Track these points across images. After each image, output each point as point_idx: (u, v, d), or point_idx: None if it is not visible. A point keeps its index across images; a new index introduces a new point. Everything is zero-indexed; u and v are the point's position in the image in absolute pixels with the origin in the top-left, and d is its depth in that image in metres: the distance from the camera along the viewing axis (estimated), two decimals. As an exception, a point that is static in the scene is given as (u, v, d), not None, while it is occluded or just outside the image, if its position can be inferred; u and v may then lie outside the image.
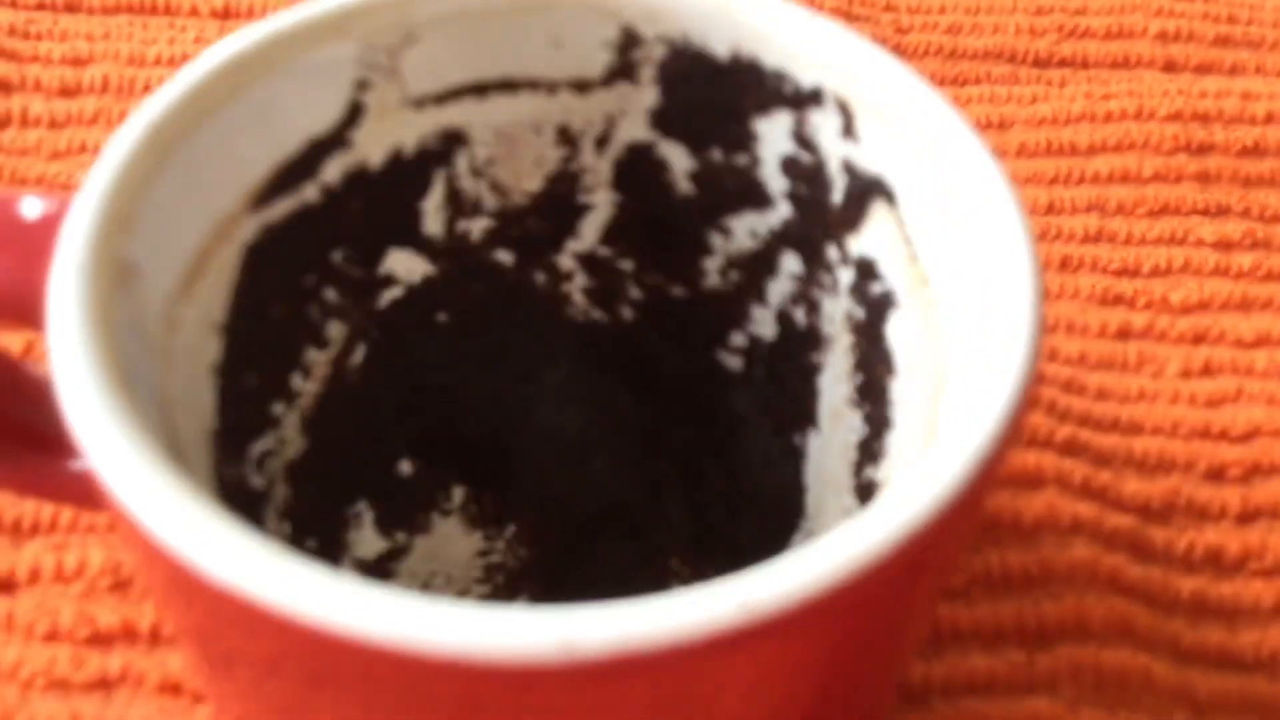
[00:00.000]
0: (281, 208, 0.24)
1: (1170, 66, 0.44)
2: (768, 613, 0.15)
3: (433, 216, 0.27)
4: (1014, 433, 0.18)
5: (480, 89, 0.25)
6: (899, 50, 0.43)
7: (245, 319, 0.24)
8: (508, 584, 0.29)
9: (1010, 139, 0.41)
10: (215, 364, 0.23)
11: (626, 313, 0.29)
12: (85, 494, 0.20)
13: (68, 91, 0.39)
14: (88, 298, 0.19)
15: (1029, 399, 0.19)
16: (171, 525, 0.16)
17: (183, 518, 0.16)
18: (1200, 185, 0.40)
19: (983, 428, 0.17)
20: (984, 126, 0.41)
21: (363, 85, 0.24)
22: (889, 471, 0.24)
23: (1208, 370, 0.35)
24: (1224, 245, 0.38)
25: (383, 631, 0.15)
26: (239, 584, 0.16)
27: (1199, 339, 0.36)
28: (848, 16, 0.44)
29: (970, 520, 0.19)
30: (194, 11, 0.42)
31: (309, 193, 0.24)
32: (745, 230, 0.26)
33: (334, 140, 0.24)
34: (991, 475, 0.18)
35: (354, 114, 0.24)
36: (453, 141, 0.26)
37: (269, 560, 0.16)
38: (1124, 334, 0.36)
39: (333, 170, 0.24)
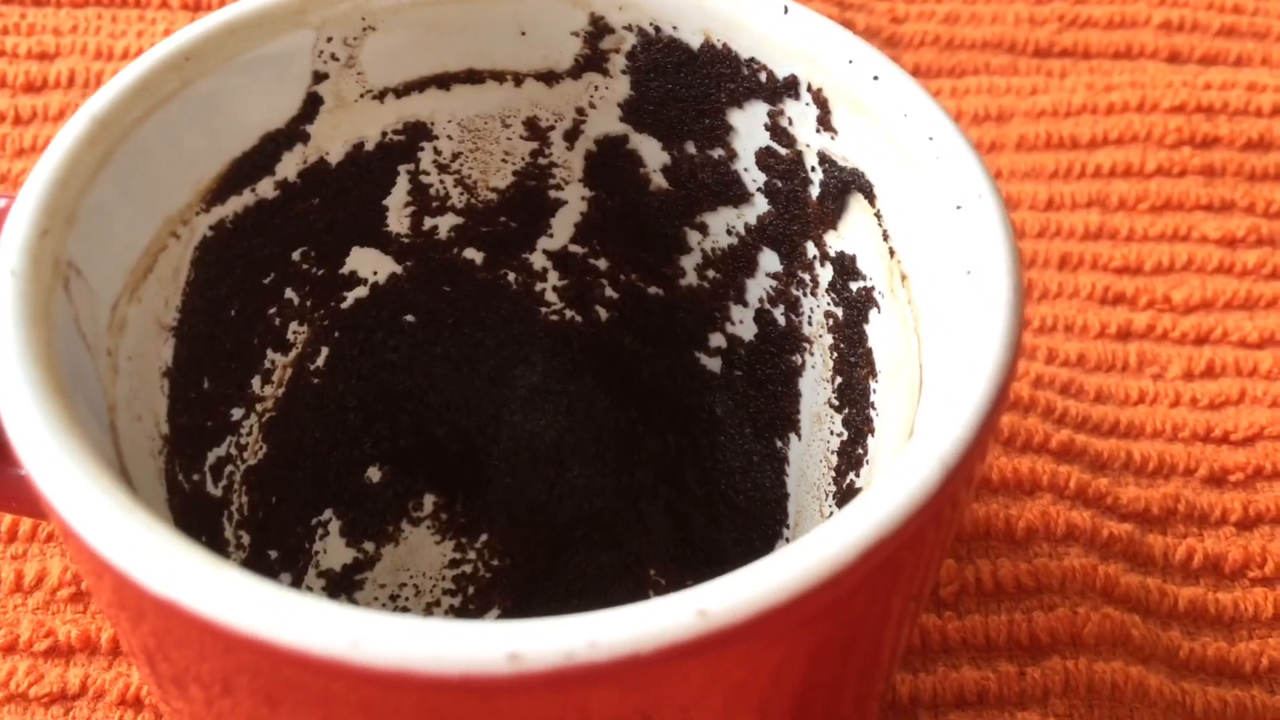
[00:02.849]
0: (236, 204, 0.23)
1: (1174, 57, 0.43)
2: (727, 621, 0.14)
3: (397, 213, 0.26)
4: (989, 434, 0.17)
5: (444, 80, 0.24)
6: (893, 40, 0.42)
7: (199, 320, 0.23)
8: (479, 595, 0.28)
9: (1009, 132, 0.40)
10: (166, 367, 0.22)
11: (602, 313, 0.28)
12: (34, 502, 0.20)
13: (33, 87, 0.38)
14: (26, 299, 0.18)
15: (1005, 399, 0.18)
16: (110, 537, 0.15)
17: (122, 530, 0.15)
18: (1204, 180, 0.39)
19: (954, 429, 0.17)
20: (982, 119, 0.40)
21: (320, 77, 0.23)
22: (871, 477, 0.23)
23: (1210, 371, 0.34)
24: (1228, 242, 0.37)
25: (331, 645, 0.14)
26: (183, 599, 0.15)
27: (1202, 339, 0.35)
28: (840, 5, 0.43)
29: (945, 524, 0.18)
30: (164, 4, 0.41)
31: (265, 189, 0.23)
32: (722, 227, 0.25)
33: (291, 134, 0.23)
34: (966, 477, 0.17)
35: (311, 107, 0.23)
36: (416, 135, 0.25)
37: (215, 574, 0.15)
38: (1125, 334, 0.35)
39: (290, 165, 0.24)
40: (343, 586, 0.28)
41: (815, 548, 0.15)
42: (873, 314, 0.22)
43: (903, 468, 0.16)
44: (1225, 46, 0.43)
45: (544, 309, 0.28)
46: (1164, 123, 0.40)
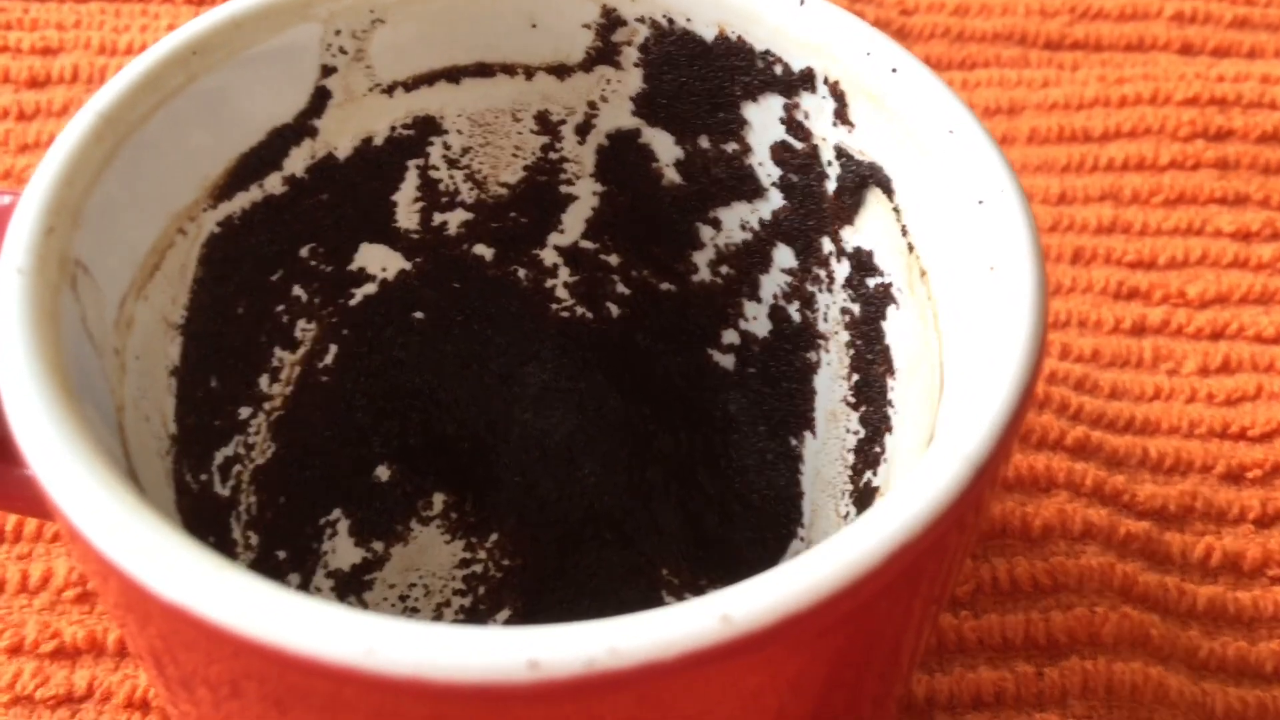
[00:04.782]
0: (244, 200, 0.23)
1: (1187, 49, 0.42)
2: (751, 627, 0.14)
3: (406, 209, 0.25)
4: (1014, 434, 0.17)
5: (453, 74, 0.24)
6: (903, 32, 0.42)
7: (206, 318, 0.22)
8: (490, 595, 0.28)
9: (1020, 125, 0.39)
10: (174, 366, 0.22)
11: (613, 310, 0.28)
12: (40, 503, 0.20)
13: (37, 82, 0.38)
14: (32, 298, 0.18)
15: (1030, 399, 0.17)
16: (116, 540, 0.15)
17: (128, 532, 0.15)
18: (1218, 173, 0.38)
19: (980, 430, 0.16)
20: (993, 112, 0.40)
21: (328, 71, 0.23)
22: (888, 476, 0.22)
23: (1226, 367, 0.34)
24: (1243, 235, 0.37)
25: (344, 652, 0.14)
26: (191, 604, 0.15)
27: (1217, 334, 0.35)
28: (851, -2, 0.42)
29: (969, 527, 0.18)
30: (168, -2, 0.41)
31: (273, 184, 0.23)
32: (736, 222, 0.25)
33: (298, 129, 0.23)
34: (991, 479, 0.17)
35: (319, 101, 0.23)
36: (426, 129, 0.24)
37: (223, 578, 0.15)
38: (1139, 329, 0.35)
39: (298, 161, 0.23)
40: (352, 587, 0.27)
41: (839, 552, 0.15)
42: (890, 310, 0.22)
43: (926, 469, 0.16)
44: (1238, 38, 0.42)
45: (555, 305, 0.28)
46: (1177, 115, 0.39)
